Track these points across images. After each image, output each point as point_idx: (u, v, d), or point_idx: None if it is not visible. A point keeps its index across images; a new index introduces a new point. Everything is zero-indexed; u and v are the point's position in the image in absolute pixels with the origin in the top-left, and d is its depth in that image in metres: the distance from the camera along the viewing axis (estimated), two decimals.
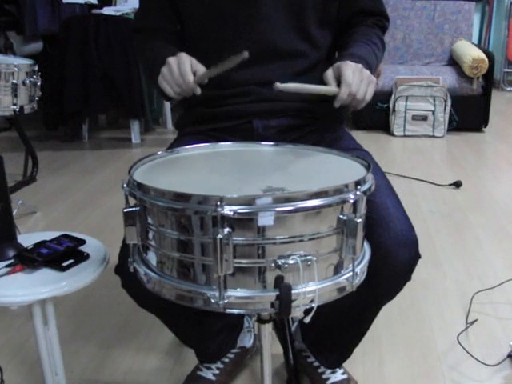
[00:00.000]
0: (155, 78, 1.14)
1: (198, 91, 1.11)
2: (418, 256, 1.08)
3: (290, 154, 1.03)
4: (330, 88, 1.04)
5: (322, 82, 1.09)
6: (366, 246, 0.89)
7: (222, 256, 0.72)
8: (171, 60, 1.10)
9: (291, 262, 0.74)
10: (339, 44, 1.25)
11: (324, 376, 1.35)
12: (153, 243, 0.81)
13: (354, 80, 1.03)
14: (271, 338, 0.93)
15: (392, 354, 1.55)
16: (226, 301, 0.75)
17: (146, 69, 1.30)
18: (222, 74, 1.19)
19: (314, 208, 0.73)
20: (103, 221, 2.47)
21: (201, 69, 1.11)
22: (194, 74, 1.09)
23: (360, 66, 1.06)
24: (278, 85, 0.94)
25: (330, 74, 1.07)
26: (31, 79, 2.24)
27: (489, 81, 4.01)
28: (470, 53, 3.95)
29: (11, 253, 1.14)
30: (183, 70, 1.08)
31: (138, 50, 1.31)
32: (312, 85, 1.01)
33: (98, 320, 1.72)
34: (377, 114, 4.07)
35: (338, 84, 1.05)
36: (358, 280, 0.82)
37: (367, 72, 1.07)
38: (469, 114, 4.03)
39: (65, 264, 1.11)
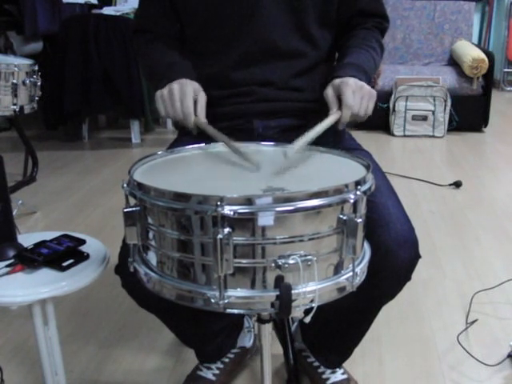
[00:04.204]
0: (154, 86, 1.13)
1: (195, 132, 1.10)
2: (418, 256, 1.08)
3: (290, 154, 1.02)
4: (333, 117, 1.05)
5: (322, 84, 1.12)
6: (366, 246, 0.89)
7: (222, 256, 0.72)
8: (174, 87, 1.08)
9: (291, 261, 0.74)
10: (339, 46, 1.25)
11: (324, 376, 1.35)
12: (153, 243, 0.81)
13: (355, 101, 1.05)
14: (271, 337, 0.93)
15: (392, 354, 1.55)
16: (226, 301, 0.75)
17: (145, 74, 1.29)
18: (222, 76, 1.20)
19: (314, 208, 0.73)
20: (103, 221, 2.47)
21: (202, 96, 1.10)
22: (195, 102, 1.08)
23: (360, 83, 1.07)
24: (290, 152, 0.91)
25: (330, 93, 1.09)
26: (31, 79, 2.24)
27: (489, 81, 4.01)
28: (470, 53, 3.95)
29: (11, 253, 1.14)
30: (186, 107, 1.07)
31: (138, 53, 1.30)
32: (316, 127, 1.00)
33: (97, 320, 1.72)
34: (377, 114, 4.03)
35: (339, 100, 1.06)
36: (358, 280, 0.82)
37: (367, 88, 1.08)
38: (469, 113, 4.03)
39: (65, 264, 1.11)
